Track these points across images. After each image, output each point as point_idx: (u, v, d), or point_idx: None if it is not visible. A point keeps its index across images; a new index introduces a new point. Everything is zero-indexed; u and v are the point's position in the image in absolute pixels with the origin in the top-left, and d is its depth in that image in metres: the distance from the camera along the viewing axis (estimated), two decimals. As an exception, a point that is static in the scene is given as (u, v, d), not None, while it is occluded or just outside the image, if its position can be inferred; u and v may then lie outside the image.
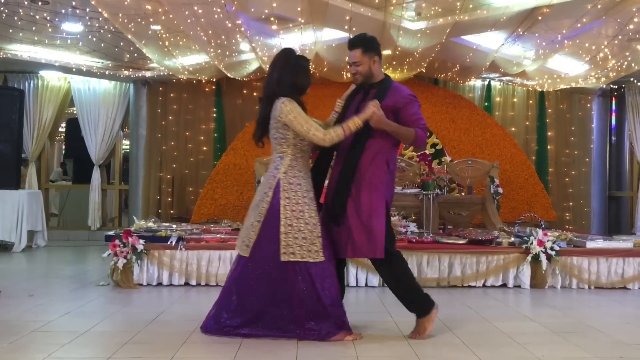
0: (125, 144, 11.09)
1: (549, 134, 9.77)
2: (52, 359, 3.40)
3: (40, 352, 3.50)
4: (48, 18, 6.58)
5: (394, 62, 8.00)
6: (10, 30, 7.04)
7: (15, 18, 6.60)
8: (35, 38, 7.34)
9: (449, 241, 6.22)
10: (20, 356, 3.45)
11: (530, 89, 9.61)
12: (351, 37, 4.18)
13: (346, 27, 6.39)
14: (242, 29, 6.46)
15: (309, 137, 3.75)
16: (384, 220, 3.85)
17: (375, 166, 3.86)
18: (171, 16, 6.25)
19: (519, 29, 6.63)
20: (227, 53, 7.58)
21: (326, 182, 4.11)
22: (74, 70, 8.82)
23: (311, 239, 3.74)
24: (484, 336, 4.04)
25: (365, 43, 3.99)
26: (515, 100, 9.87)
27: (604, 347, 3.82)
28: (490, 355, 3.53)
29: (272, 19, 6.28)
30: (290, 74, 3.84)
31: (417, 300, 3.95)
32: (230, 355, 3.48)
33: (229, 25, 6.42)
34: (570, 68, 8.06)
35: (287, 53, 3.96)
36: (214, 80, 9.42)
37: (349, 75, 8.43)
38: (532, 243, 5.92)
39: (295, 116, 3.73)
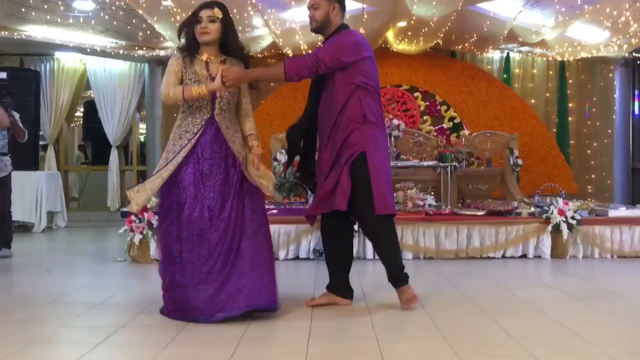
0: (142, 126, 11.11)
1: (570, 105, 9.56)
2: (67, 327, 3.40)
3: (55, 322, 3.50)
4: (60, -5, 6.57)
5: (409, 33, 7.86)
6: (23, 10, 7.03)
7: (27, -4, 6.60)
8: (48, 17, 7.33)
9: (468, 212, 6.12)
10: (35, 325, 3.46)
11: (550, 59, 9.39)
12: None
13: (358, -7, 6.28)
14: (254, 1, 6.37)
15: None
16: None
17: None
18: (182, -10, 6.20)
19: (537, -5, 6.47)
20: (240, 28, 7.47)
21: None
22: (88, 50, 8.80)
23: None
24: (502, 303, 3.97)
25: None
26: (534, 71, 9.65)
27: (626, 311, 3.73)
28: (509, 321, 3.45)
29: (284, -10, 6.19)
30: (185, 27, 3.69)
31: (402, 267, 3.75)
32: (245, 320, 3.43)
33: (241, -2, 6.35)
34: (590, 35, 7.85)
35: None
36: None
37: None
38: (552, 212, 5.80)
39: (166, 72, 3.64)
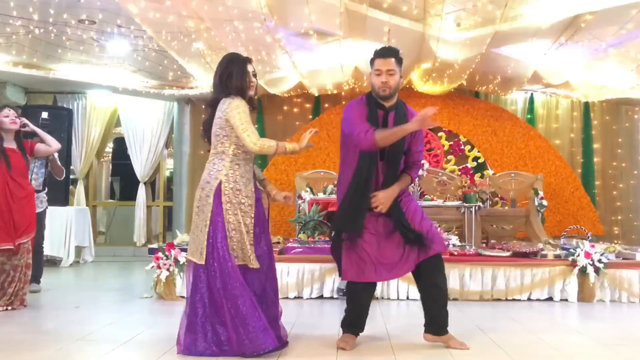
0: (170, 162, 11.30)
1: (595, 146, 9.53)
2: (96, 365, 3.46)
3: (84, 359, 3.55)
4: (95, 37, 6.79)
5: (434, 75, 7.97)
6: (59, 51, 7.28)
7: (64, 38, 6.83)
8: (83, 57, 7.58)
9: (493, 254, 6.11)
10: (65, 363, 3.52)
11: (574, 99, 9.42)
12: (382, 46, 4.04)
13: (385, 38, 6.40)
14: (282, 43, 6.54)
15: (243, 135, 3.61)
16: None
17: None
18: (212, 33, 6.38)
19: (562, 38, 6.53)
20: (268, 69, 7.68)
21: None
22: (120, 89, 9.07)
23: (245, 246, 3.69)
24: (529, 348, 3.93)
25: (399, 56, 3.84)
26: (558, 112, 9.67)
27: (656, 359, 3.67)
28: (535, 367, 3.43)
29: (310, 32, 6.34)
30: (230, 76, 3.77)
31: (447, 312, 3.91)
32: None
33: (269, 40, 6.51)
34: (615, 78, 7.87)
35: (226, 57, 3.89)
36: (255, 96, 9.51)
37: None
38: (578, 255, 5.77)
39: (240, 112, 3.65)
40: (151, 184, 10.90)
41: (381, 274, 3.79)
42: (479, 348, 3.90)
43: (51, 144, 5.64)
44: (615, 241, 8.80)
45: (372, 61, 3.89)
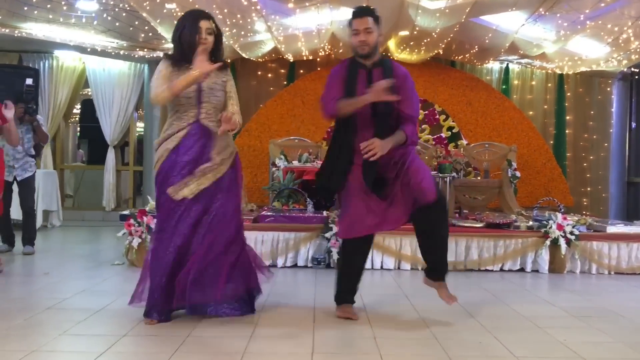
0: (140, 125, 11.07)
1: (568, 117, 9.61)
2: (67, 335, 3.38)
3: (55, 329, 3.47)
4: (63, -5, 6.53)
5: (412, 43, 7.88)
6: (25, 8, 6.97)
7: (30, -5, 6.56)
8: (50, 16, 7.28)
9: (466, 224, 6.14)
10: (35, 332, 3.43)
11: (549, 71, 9.44)
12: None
13: (364, 4, 6.25)
14: (258, 7, 6.37)
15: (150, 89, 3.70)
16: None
17: None
18: (187, -7, 6.18)
19: (541, 9, 6.48)
20: (242, 33, 7.49)
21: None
22: (88, 50, 8.78)
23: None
24: (503, 320, 3.98)
25: (375, 15, 3.82)
26: (533, 83, 9.69)
27: (628, 332, 3.74)
28: (512, 339, 3.46)
29: (289, -4, 6.19)
30: (181, 31, 3.72)
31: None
32: (247, 332, 3.44)
33: (245, 3, 6.33)
34: (591, 50, 7.89)
35: (185, 13, 3.85)
36: (229, 60, 9.33)
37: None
38: (551, 227, 5.83)
39: (156, 76, 3.66)
40: (121, 147, 10.67)
41: (369, 227, 3.80)
42: (452, 318, 3.93)
43: (41, 139, 6.16)
44: (584, 212, 8.96)
45: (350, 23, 3.84)
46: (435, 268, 3.97)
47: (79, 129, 13.39)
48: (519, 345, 3.33)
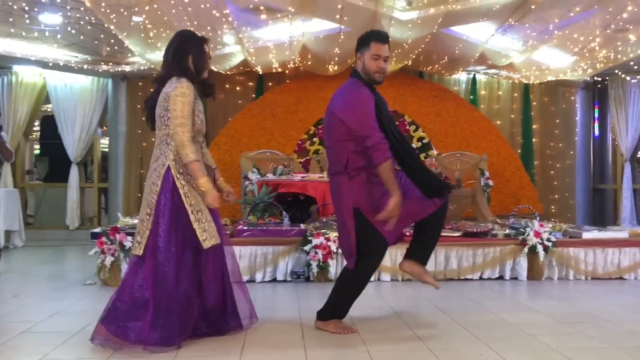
0: (104, 142, 10.80)
1: (534, 126, 9.77)
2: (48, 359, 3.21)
3: (34, 354, 3.29)
4: (27, 8, 6.31)
5: (383, 54, 7.88)
6: (-15, 22, 6.75)
7: (-9, 8, 6.32)
8: (12, 30, 7.04)
9: (444, 234, 6.10)
10: (14, 357, 3.25)
11: (515, 81, 9.59)
12: (373, 30, 3.92)
13: (337, 16, 6.25)
14: (230, 18, 6.28)
15: (177, 129, 3.41)
16: None
17: None
18: (155, 6, 6.05)
19: (510, 19, 6.57)
20: (212, 45, 7.33)
21: None
22: (50, 64, 8.54)
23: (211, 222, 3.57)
24: (493, 328, 3.94)
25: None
26: (500, 93, 9.84)
27: (618, 336, 3.74)
28: (505, 347, 3.43)
29: (261, 8, 6.12)
30: (186, 55, 3.60)
31: None
32: (236, 351, 3.32)
33: (217, 14, 6.24)
34: (557, 60, 8.04)
35: (183, 34, 3.70)
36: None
37: (335, 68, 8.32)
38: (528, 234, 5.86)
39: (183, 102, 3.43)
40: (84, 164, 10.39)
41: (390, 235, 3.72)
42: (442, 329, 3.89)
43: (5, 156, 6.02)
44: (553, 219, 9.07)
45: (367, 43, 3.70)
46: (424, 254, 3.94)
47: (37, 146, 13.00)
48: (516, 354, 3.30)
